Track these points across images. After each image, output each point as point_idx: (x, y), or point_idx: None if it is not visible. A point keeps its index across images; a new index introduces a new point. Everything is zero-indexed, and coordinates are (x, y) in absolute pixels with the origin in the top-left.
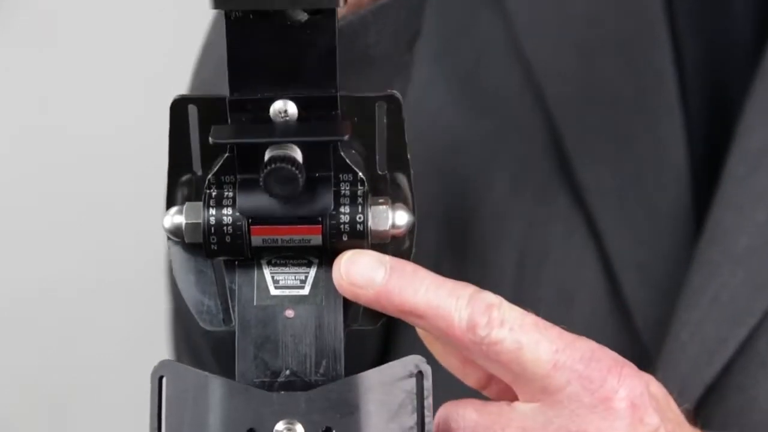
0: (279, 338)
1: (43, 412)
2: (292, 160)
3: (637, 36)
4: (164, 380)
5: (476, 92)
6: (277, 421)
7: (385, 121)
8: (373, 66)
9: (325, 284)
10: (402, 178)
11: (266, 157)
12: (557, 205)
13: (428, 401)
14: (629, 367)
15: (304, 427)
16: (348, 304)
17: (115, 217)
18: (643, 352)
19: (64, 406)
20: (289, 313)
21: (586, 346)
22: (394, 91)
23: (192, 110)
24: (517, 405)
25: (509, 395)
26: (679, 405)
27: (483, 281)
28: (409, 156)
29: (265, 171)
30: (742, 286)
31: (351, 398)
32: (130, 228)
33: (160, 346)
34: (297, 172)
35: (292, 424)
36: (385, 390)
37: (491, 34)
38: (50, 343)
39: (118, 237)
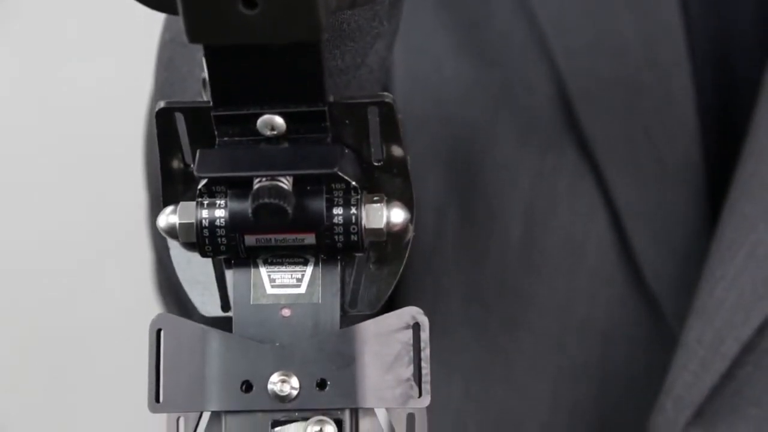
0: (275, 338)
1: (41, 370)
2: (281, 194)
3: None
4: (162, 333)
5: (481, 41)
6: (273, 373)
7: (378, 120)
8: (350, 39)
9: (321, 282)
10: (400, 165)
11: (254, 185)
12: (565, 157)
13: (425, 353)
14: None
15: (299, 379)
16: (346, 289)
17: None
18: (651, 303)
19: (63, 363)
20: (285, 312)
21: None
22: (386, 94)
23: (179, 116)
24: None
25: None
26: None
27: (490, 232)
28: (407, 156)
29: (253, 204)
30: None
31: (346, 350)
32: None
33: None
34: (285, 205)
35: (287, 375)
36: (381, 341)
37: None
38: (49, 303)
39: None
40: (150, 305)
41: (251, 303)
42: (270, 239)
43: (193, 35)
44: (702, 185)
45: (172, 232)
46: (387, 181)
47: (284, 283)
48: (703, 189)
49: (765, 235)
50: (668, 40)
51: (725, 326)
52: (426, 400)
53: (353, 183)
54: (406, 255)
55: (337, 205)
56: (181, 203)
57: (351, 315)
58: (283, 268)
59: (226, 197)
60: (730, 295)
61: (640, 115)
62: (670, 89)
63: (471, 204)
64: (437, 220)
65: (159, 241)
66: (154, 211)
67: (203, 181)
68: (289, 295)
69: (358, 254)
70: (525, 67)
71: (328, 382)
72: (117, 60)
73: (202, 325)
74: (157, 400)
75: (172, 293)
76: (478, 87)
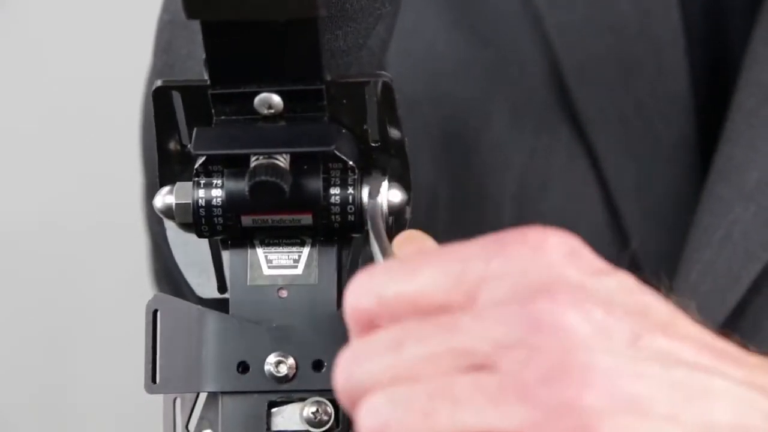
0: (272, 319)
1: (38, 355)
2: (278, 172)
3: None
4: (158, 314)
5: (473, 19)
6: (269, 354)
7: (375, 100)
8: (353, 20)
9: (318, 263)
10: (397, 146)
11: (251, 164)
12: (558, 136)
13: None
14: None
15: (296, 360)
16: (342, 270)
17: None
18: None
19: (61, 345)
20: (282, 293)
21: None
22: (384, 73)
23: (176, 95)
24: None
25: None
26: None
27: (482, 212)
28: (404, 137)
29: (250, 182)
30: (754, 222)
31: (342, 331)
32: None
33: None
34: (282, 183)
35: (284, 356)
36: None
37: None
38: (48, 279)
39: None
40: (146, 291)
41: (248, 284)
42: (267, 219)
43: (191, 11)
44: (696, 163)
45: (168, 212)
46: (384, 161)
47: (281, 264)
48: (696, 167)
49: (741, 215)
50: (663, 15)
51: (701, 311)
52: None
53: (350, 163)
54: None
55: (334, 185)
56: (178, 183)
57: None
58: (280, 249)
59: (222, 177)
60: (706, 279)
61: (633, 91)
62: (665, 65)
63: (463, 183)
64: (429, 200)
65: (155, 227)
66: (151, 198)
67: (200, 160)
68: (286, 276)
69: (355, 235)
70: (518, 44)
71: (325, 363)
72: (114, 46)
73: (198, 306)
74: (154, 381)
75: (169, 280)
76: (472, 65)
